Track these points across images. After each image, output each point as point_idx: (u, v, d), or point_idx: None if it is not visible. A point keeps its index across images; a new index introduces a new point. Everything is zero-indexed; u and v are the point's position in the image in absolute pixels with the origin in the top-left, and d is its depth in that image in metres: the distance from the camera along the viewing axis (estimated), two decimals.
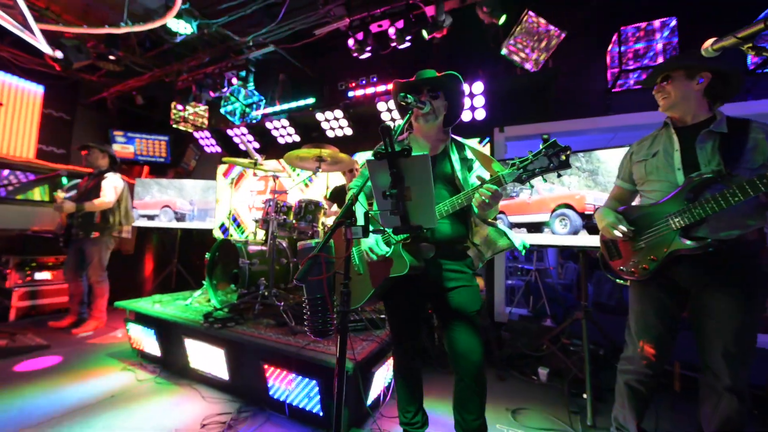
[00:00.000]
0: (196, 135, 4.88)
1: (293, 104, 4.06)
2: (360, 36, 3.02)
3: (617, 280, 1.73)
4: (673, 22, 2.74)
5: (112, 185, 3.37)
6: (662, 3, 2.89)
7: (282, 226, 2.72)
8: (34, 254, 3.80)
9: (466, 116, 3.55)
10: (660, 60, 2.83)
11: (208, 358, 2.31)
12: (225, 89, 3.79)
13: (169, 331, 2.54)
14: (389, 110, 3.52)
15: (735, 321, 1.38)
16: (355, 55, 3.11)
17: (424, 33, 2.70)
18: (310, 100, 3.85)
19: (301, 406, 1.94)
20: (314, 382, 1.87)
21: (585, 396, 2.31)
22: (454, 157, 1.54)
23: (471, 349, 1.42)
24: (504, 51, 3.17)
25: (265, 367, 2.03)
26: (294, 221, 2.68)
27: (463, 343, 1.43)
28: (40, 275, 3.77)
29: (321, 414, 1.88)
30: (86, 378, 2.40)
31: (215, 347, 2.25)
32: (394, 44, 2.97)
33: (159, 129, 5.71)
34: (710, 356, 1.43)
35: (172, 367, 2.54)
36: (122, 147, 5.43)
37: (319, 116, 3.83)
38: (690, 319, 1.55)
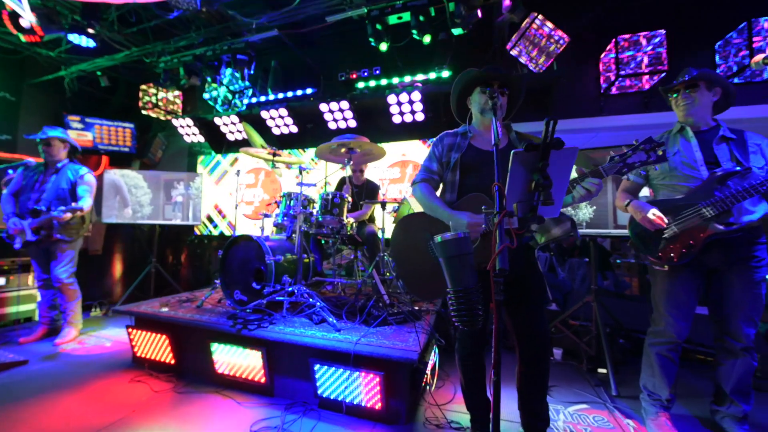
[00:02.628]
0: (175, 123, 4.44)
1: (291, 93, 3.86)
2: (378, 26, 2.98)
3: (654, 266, 1.90)
4: (658, 38, 3.08)
5: (90, 188, 3.01)
6: (651, 16, 3.23)
7: (305, 221, 2.61)
8: None
9: None
10: (647, 68, 3.17)
11: (240, 361, 2.16)
12: (220, 74, 3.50)
13: (188, 336, 2.33)
14: (399, 103, 3.51)
15: (752, 293, 1.67)
16: (375, 45, 3.06)
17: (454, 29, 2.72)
18: (311, 90, 3.70)
19: (357, 402, 1.90)
20: (374, 376, 1.84)
21: (600, 371, 2.57)
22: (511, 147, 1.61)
23: (543, 332, 1.51)
24: (511, 51, 3.32)
25: (315, 366, 1.97)
26: (320, 215, 2.59)
27: (536, 326, 1.51)
28: None
29: (380, 407, 1.87)
30: (92, 395, 2.12)
31: (250, 350, 2.11)
32: (414, 37, 2.95)
33: (121, 115, 5.11)
34: (731, 324, 1.71)
35: (190, 374, 2.34)
36: (78, 134, 4.76)
37: (323, 107, 3.70)
38: (712, 293, 1.80)
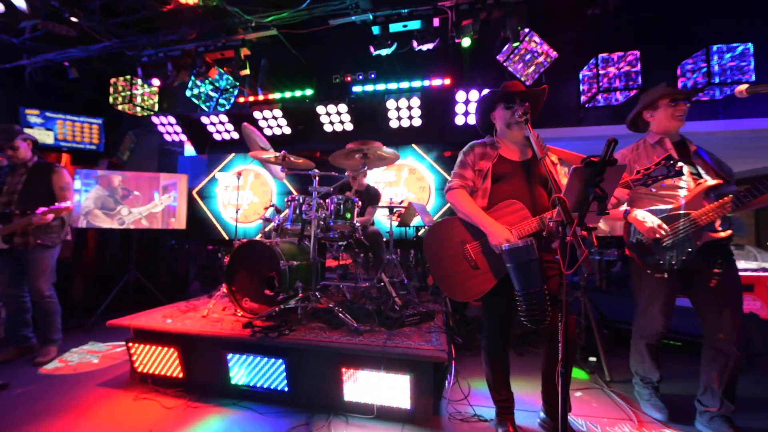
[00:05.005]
0: (155, 120, 4.17)
1: (288, 94, 3.79)
2: (380, 32, 3.02)
3: (655, 275, 1.94)
4: (632, 57, 3.43)
5: (69, 186, 2.77)
6: (626, 38, 3.58)
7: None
8: None
9: (461, 120, 3.84)
10: (622, 84, 3.51)
11: (259, 371, 2.12)
12: (214, 73, 3.34)
13: (199, 348, 2.23)
14: (398, 108, 3.58)
15: (736, 292, 1.83)
16: (373, 50, 3.10)
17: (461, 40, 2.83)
18: (308, 92, 3.66)
19: (386, 404, 1.95)
20: (404, 376, 1.90)
21: (591, 359, 2.82)
22: (547, 160, 1.75)
23: (570, 330, 1.66)
24: (503, 62, 3.52)
25: (343, 370, 1.98)
26: (332, 220, 2.59)
27: (568, 316, 1.65)
28: None
29: (408, 407, 1.93)
30: (99, 418, 1.97)
31: (272, 358, 2.08)
32: (415, 45, 3.04)
33: (87, 109, 4.69)
34: (722, 323, 1.77)
35: (201, 387, 2.24)
36: (37, 130, 4.31)
37: (320, 109, 3.68)
38: (697, 294, 1.91)
